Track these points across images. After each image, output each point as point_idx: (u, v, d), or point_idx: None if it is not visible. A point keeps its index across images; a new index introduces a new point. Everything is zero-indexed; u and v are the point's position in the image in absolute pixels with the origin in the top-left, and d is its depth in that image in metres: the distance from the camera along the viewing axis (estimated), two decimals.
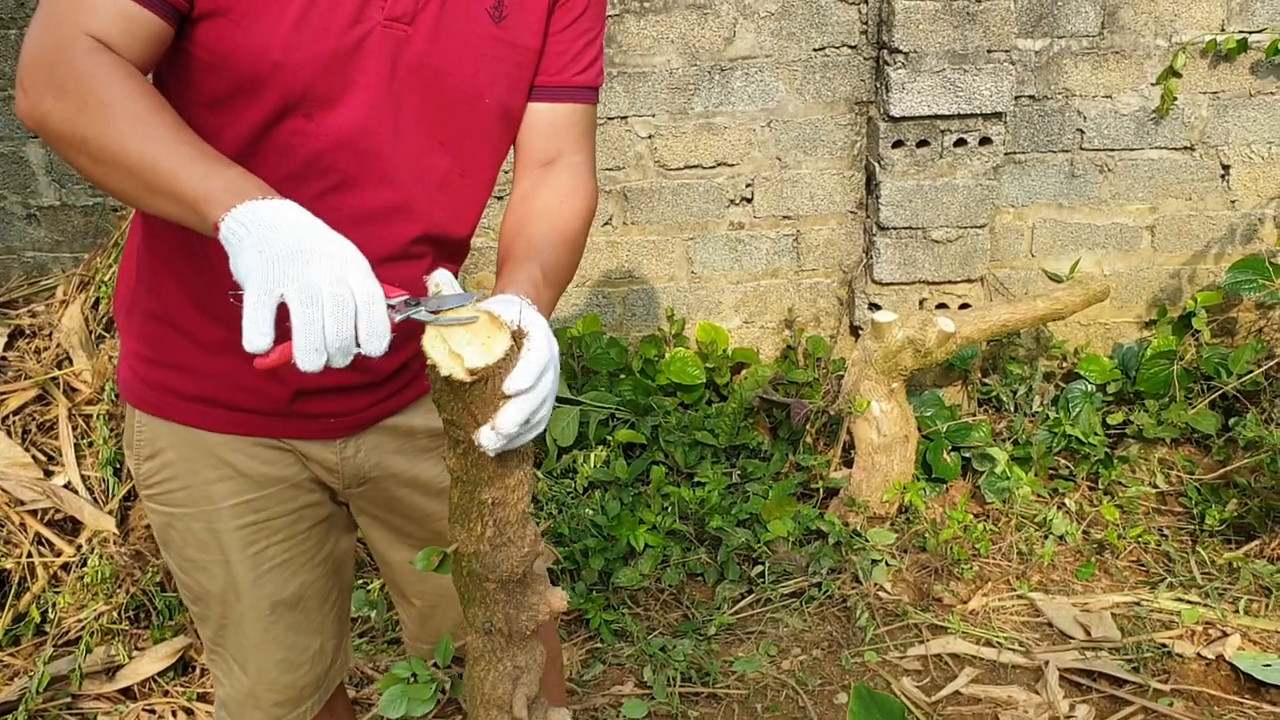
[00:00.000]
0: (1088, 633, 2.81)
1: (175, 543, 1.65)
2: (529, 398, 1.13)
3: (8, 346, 3.03)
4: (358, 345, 1.10)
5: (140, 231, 1.53)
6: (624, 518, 3.14)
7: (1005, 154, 3.57)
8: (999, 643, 2.80)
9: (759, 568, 3.08)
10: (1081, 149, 3.64)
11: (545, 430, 3.37)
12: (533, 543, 1.27)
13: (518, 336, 1.14)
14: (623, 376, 3.71)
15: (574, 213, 1.53)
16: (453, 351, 1.09)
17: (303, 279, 1.07)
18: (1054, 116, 3.59)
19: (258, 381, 1.52)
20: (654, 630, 2.91)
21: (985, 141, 3.45)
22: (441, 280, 1.16)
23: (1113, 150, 3.64)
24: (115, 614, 2.77)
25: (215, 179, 1.15)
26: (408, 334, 1.18)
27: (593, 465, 3.34)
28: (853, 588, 3.01)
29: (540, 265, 1.41)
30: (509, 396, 1.13)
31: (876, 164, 3.52)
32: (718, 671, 2.73)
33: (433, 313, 1.13)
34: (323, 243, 1.11)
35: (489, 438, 1.14)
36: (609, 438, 3.48)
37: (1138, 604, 2.90)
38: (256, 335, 1.07)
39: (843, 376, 3.35)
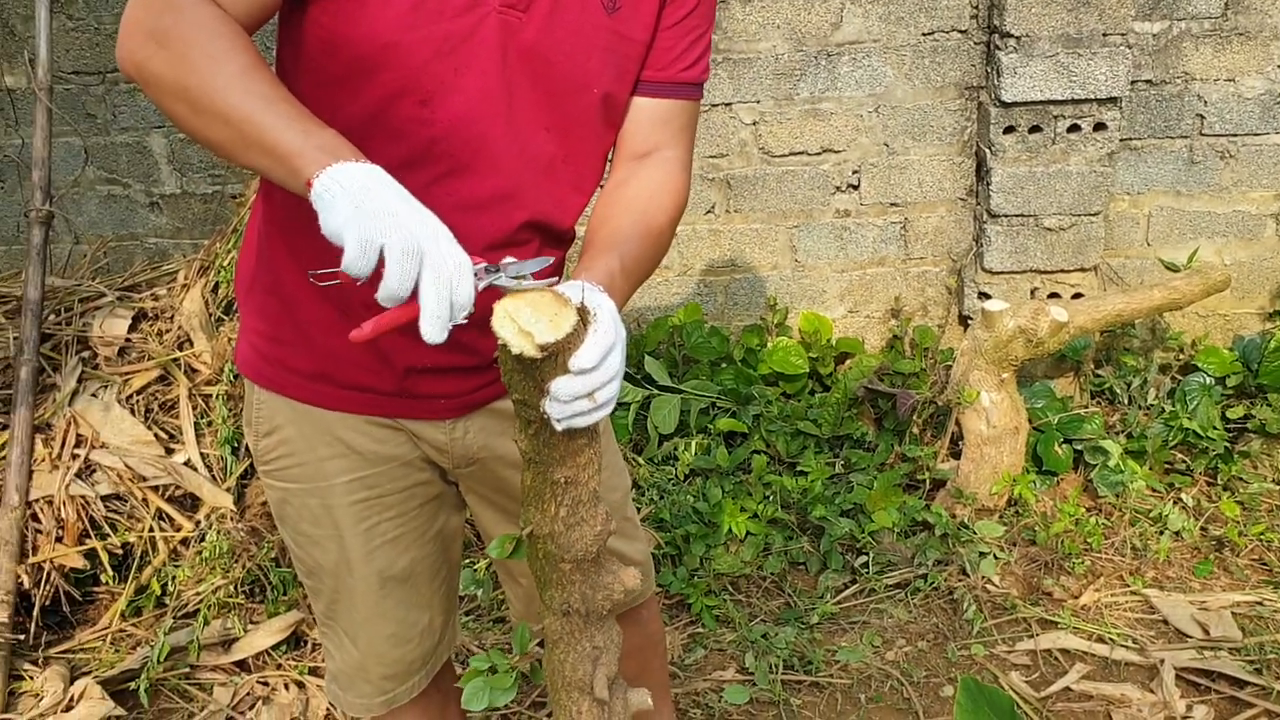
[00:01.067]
0: (1206, 632, 2.72)
1: (290, 518, 1.70)
2: (592, 376, 1.15)
3: (132, 329, 3.14)
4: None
5: (261, 209, 1.57)
6: (725, 505, 3.14)
7: (1121, 140, 3.47)
8: (1111, 639, 2.73)
9: (863, 558, 3.04)
10: (1201, 134, 3.52)
11: (647, 418, 3.40)
12: (604, 522, 1.28)
13: (584, 315, 1.16)
14: (724, 365, 3.70)
15: (661, 208, 1.53)
16: (522, 330, 1.12)
17: (400, 231, 1.11)
18: (1172, 101, 3.48)
19: (369, 358, 1.56)
20: (756, 617, 2.91)
21: (1100, 127, 3.36)
22: (511, 261, 1.19)
23: (1235, 136, 3.51)
24: (231, 588, 2.86)
25: (312, 138, 1.17)
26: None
27: (693, 453, 3.33)
28: (959, 580, 2.96)
29: (620, 257, 1.42)
30: (575, 374, 1.15)
31: (987, 150, 3.45)
32: (820, 660, 2.71)
33: (513, 278, 1.16)
34: (414, 210, 1.15)
35: (554, 408, 1.15)
36: (710, 426, 3.48)
37: (1260, 604, 2.80)
38: (363, 270, 1.12)
39: (951, 367, 3.29)
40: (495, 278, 1.16)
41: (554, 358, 1.14)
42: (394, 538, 1.68)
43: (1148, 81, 3.46)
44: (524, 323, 1.12)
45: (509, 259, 1.20)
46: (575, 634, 1.36)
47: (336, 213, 1.12)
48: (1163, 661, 2.61)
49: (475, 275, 1.16)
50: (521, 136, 1.46)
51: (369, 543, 1.67)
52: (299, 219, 1.49)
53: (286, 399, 1.61)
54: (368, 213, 1.11)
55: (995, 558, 3.00)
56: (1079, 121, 3.35)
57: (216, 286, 3.11)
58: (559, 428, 1.17)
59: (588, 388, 1.15)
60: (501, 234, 1.49)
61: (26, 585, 2.78)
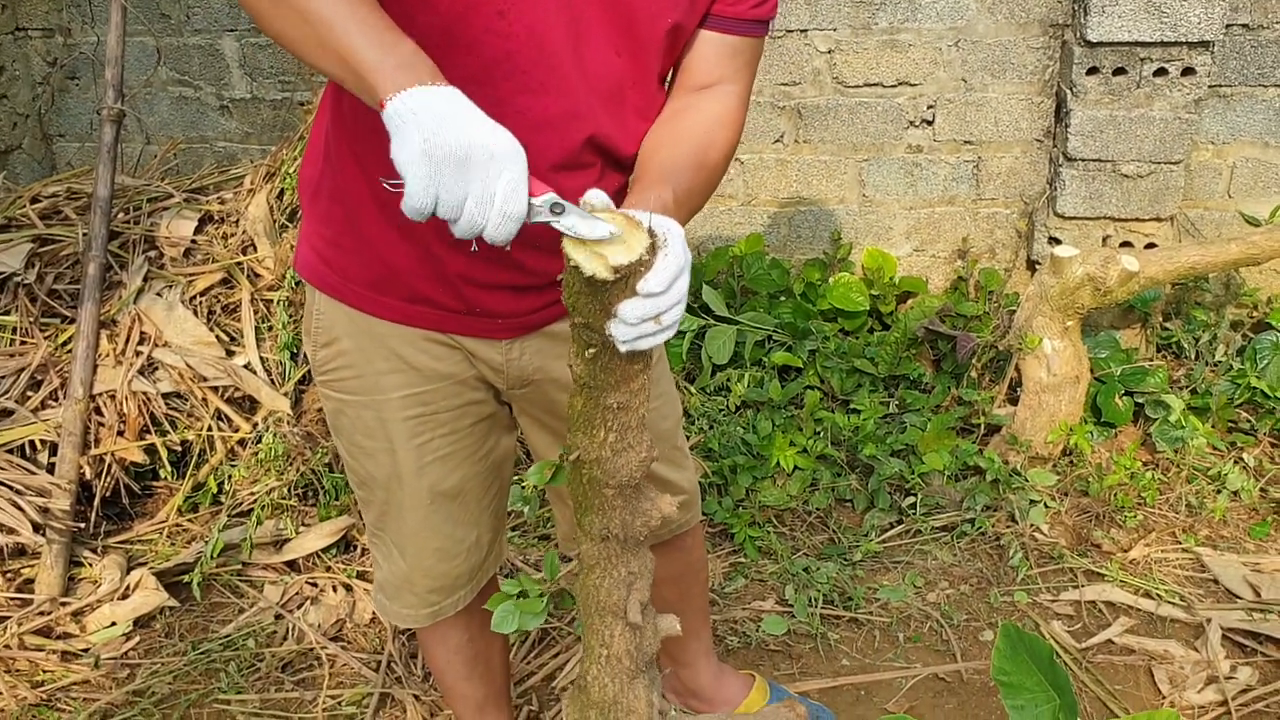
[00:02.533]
0: (1257, 594, 2.68)
1: (345, 428, 1.72)
2: (661, 299, 1.15)
3: (197, 231, 3.18)
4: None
5: (329, 113, 1.56)
6: (775, 438, 3.13)
7: (1209, 86, 3.35)
8: (1159, 595, 2.70)
9: (911, 499, 3.03)
10: None
11: (702, 347, 3.39)
12: (649, 449, 1.30)
13: (654, 237, 1.16)
14: (783, 299, 3.67)
15: (718, 141, 1.52)
16: (594, 252, 1.12)
17: (455, 193, 1.13)
18: (1269, 48, 3.34)
19: (426, 271, 1.56)
20: (798, 550, 2.91)
21: (1188, 72, 3.24)
22: (595, 201, 1.18)
23: None
24: (285, 490, 2.92)
25: (391, 54, 1.17)
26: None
27: (746, 385, 3.32)
28: (1007, 526, 2.94)
29: (674, 188, 1.41)
30: (644, 297, 1.15)
31: (1068, 91, 3.35)
32: (861, 597, 2.72)
33: (569, 223, 1.16)
34: (486, 140, 1.14)
35: (620, 330, 1.15)
36: (764, 359, 3.46)
37: None
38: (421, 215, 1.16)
39: (1014, 311, 3.24)
40: (553, 220, 1.16)
41: (624, 280, 1.14)
42: (445, 454, 1.70)
43: (1244, 26, 3.32)
44: (596, 245, 1.12)
45: (590, 203, 1.19)
46: (612, 559, 1.39)
47: (405, 146, 1.13)
48: (1209, 621, 2.58)
49: (535, 208, 1.17)
50: (591, 57, 1.44)
51: (421, 458, 1.68)
52: (367, 126, 1.48)
53: (346, 310, 1.63)
54: (436, 160, 1.12)
55: (1045, 506, 2.97)
56: (1166, 65, 3.24)
57: (282, 193, 3.12)
58: (623, 349, 1.17)
59: (656, 310, 1.15)
60: (566, 153, 1.48)
61: (88, 476, 2.85)
